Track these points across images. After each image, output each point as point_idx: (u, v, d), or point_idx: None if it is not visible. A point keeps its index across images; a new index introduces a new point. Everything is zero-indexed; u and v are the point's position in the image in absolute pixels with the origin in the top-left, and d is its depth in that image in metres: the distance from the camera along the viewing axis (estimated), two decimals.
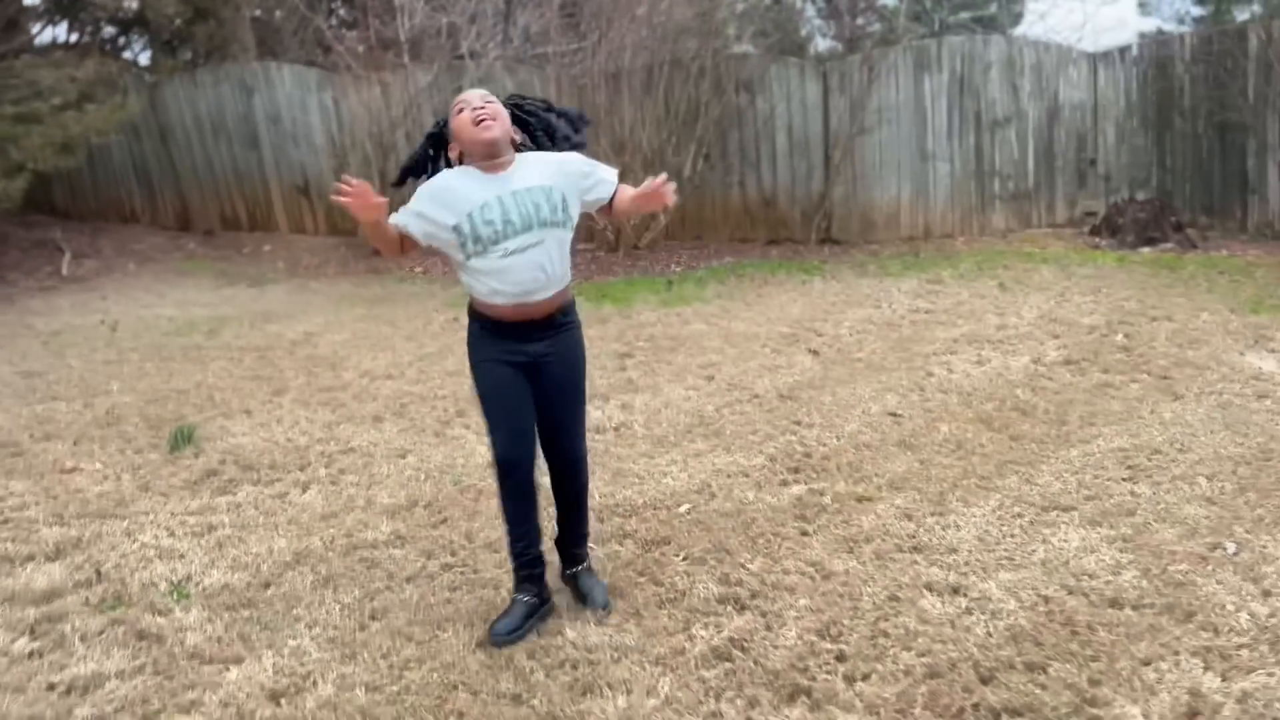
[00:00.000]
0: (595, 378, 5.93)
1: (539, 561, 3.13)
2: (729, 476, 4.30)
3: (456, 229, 2.87)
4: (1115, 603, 2.98)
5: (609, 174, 3.07)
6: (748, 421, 5.06)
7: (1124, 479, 4.02)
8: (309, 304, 8.73)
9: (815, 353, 6.36)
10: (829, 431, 4.87)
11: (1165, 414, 4.89)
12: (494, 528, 3.74)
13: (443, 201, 2.90)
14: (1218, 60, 9.70)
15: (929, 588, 3.16)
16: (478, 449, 4.70)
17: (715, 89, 10.43)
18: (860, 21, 21.16)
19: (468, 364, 3.06)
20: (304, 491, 4.35)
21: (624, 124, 10.06)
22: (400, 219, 2.95)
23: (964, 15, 14.99)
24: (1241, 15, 29.24)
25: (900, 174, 10.45)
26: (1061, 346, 6.29)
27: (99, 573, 3.57)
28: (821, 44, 21.03)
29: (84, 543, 3.86)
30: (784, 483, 4.22)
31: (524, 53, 11.94)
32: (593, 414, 5.26)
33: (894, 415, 5.07)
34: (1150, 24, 30.14)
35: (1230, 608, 2.91)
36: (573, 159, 3.04)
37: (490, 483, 3.80)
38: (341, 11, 15.83)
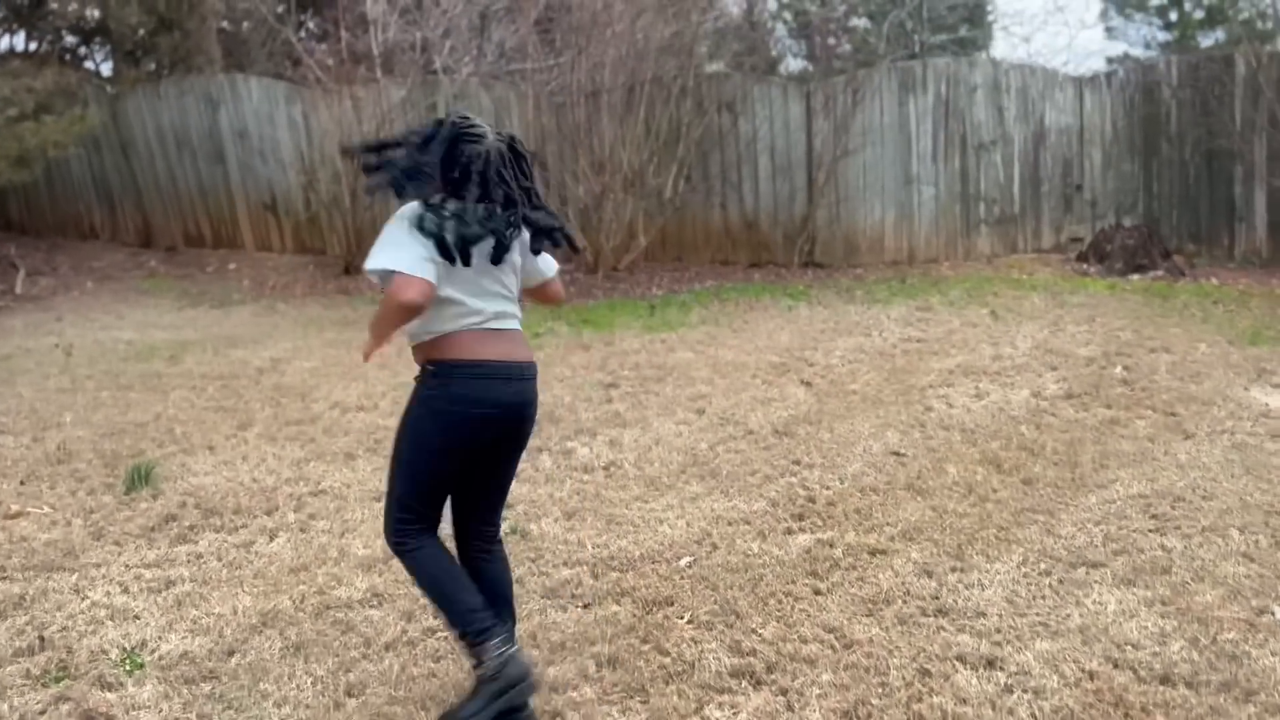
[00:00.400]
0: (580, 410, 5.65)
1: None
2: (730, 524, 4.02)
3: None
4: (1166, 679, 2.73)
5: None
6: (744, 460, 4.79)
7: (1151, 530, 3.79)
8: (276, 327, 8.37)
9: (808, 384, 6.12)
10: (831, 472, 4.61)
11: (1180, 455, 4.69)
12: None
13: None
14: (1205, 86, 9.63)
15: (961, 660, 2.90)
16: None
17: (697, 109, 10.22)
18: (832, 42, 21.13)
19: None
20: (271, 540, 4.02)
21: (604, 143, 9.81)
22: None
23: (942, 37, 14.92)
24: (1206, 41, 29.63)
25: (884, 197, 10.28)
26: (1061, 379, 6.09)
27: (43, 638, 3.22)
28: (793, 64, 20.97)
29: (28, 601, 3.51)
30: (789, 531, 3.95)
31: (499, 69, 11.67)
32: (579, 451, 4.99)
33: (897, 455, 4.83)
34: (1118, 48, 30.49)
35: None
36: None
37: None
38: (311, 24, 15.47)
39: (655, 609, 3.32)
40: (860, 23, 19.70)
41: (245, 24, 14.87)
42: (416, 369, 2.65)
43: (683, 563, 3.68)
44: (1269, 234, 9.51)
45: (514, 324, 2.65)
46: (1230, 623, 3.03)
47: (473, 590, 2.59)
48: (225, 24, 14.92)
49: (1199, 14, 29.51)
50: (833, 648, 3.01)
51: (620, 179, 9.73)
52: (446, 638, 3.12)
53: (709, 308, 8.65)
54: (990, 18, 25.69)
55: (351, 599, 3.46)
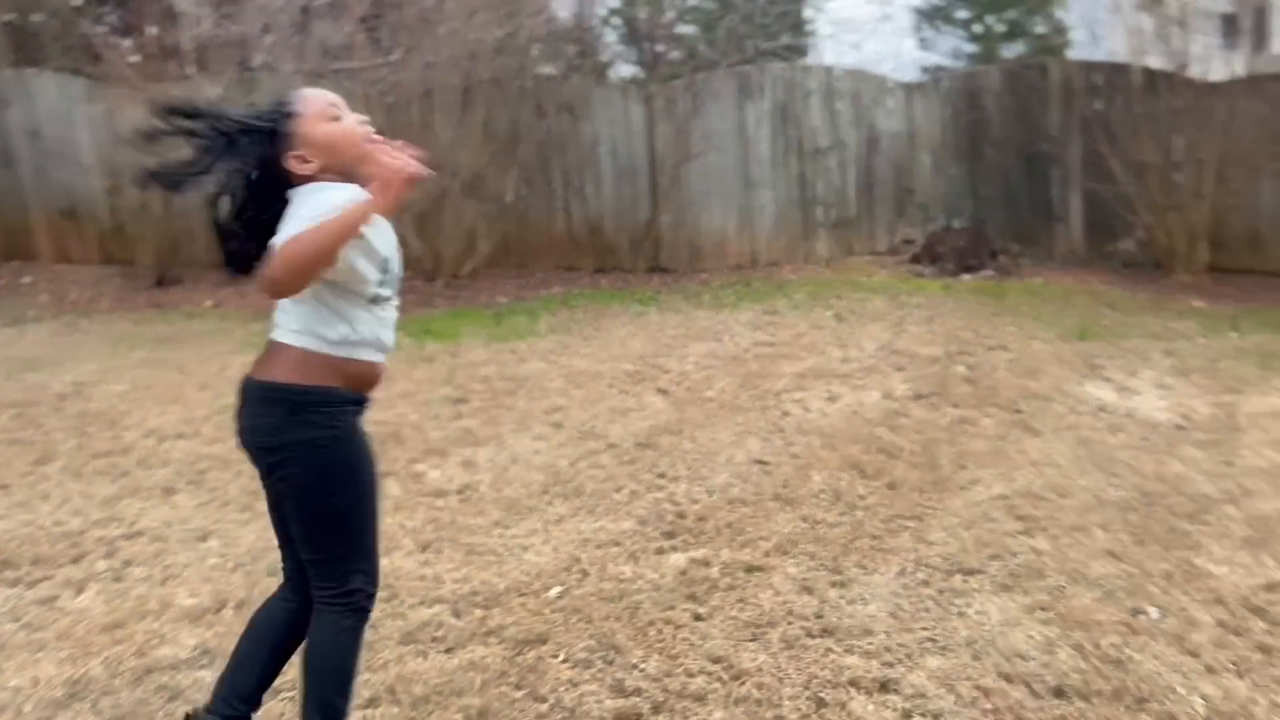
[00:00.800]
0: (427, 429, 5.30)
1: None
2: (599, 547, 3.79)
3: (386, 264, 2.19)
4: (1060, 692, 2.68)
5: None
6: (608, 476, 4.57)
7: (1019, 532, 3.80)
8: (79, 347, 7.57)
9: (665, 392, 5.96)
10: (697, 485, 4.45)
11: (1032, 453, 4.77)
12: None
13: (374, 223, 2.11)
14: (1023, 93, 10.09)
15: (855, 685, 2.76)
16: None
17: (537, 111, 9.96)
18: (661, 49, 21.28)
19: (332, 461, 2.19)
20: (79, 593, 3.51)
21: (440, 144, 9.40)
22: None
23: (775, 44, 15.21)
24: (1008, 53, 31.59)
25: (727, 201, 10.29)
26: (908, 380, 6.16)
27: None
28: (625, 70, 21.00)
29: None
30: (661, 551, 3.75)
31: (324, 67, 11.05)
32: (430, 474, 4.66)
33: (762, 463, 4.72)
34: (931, 59, 32.09)
35: (1181, 690, 2.66)
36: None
37: None
38: (113, 18, 14.29)
39: (527, 649, 3.05)
40: (689, 30, 19.90)
41: (35, 16, 13.59)
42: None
43: (552, 593, 3.42)
44: (1085, 234, 10.05)
45: (275, 333, 2.22)
46: (1109, 626, 3.02)
47: None
48: (12, 17, 13.59)
49: (1001, 28, 31.48)
50: (721, 680, 2.82)
51: (459, 182, 9.35)
52: (292, 697, 2.75)
53: (557, 315, 8.40)
54: (810, 27, 26.54)
55: (178, 659, 3.03)
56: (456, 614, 3.28)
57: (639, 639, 3.07)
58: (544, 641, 3.08)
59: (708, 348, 7.09)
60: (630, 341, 7.32)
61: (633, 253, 10.20)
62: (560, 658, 2.99)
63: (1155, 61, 9.56)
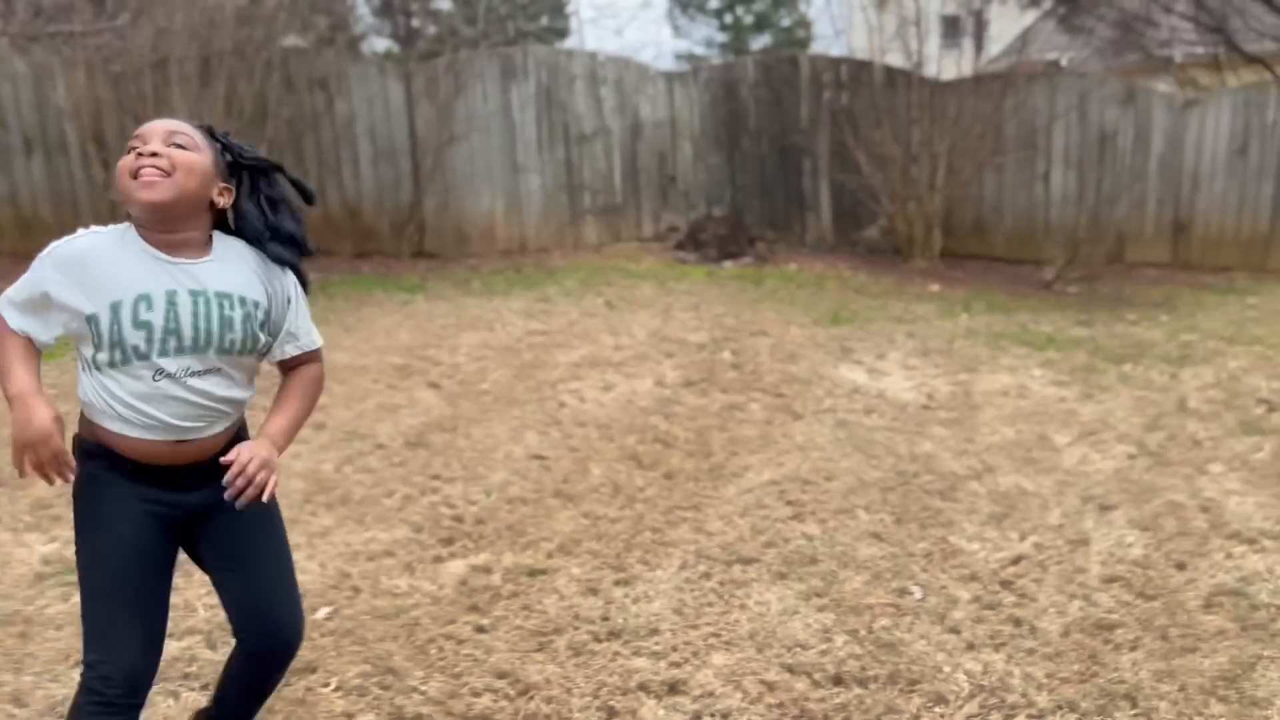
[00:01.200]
0: None
1: None
2: (370, 560, 3.57)
3: (92, 320, 1.85)
4: (839, 679, 2.76)
5: (309, 334, 2.12)
6: (378, 481, 4.33)
7: (790, 518, 3.91)
8: None
9: (437, 386, 5.74)
10: (475, 485, 4.30)
11: (797, 437, 4.95)
12: (56, 678, 2.72)
13: (78, 277, 1.85)
14: (777, 85, 10.50)
15: (645, 689, 2.73)
16: (14, 552, 3.51)
17: (286, 86, 9.33)
18: (417, 23, 20.65)
19: (73, 519, 1.98)
20: None
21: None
22: (10, 316, 1.91)
23: (536, 25, 15.08)
24: (755, 44, 33.02)
25: (494, 185, 10.09)
26: (679, 366, 6.26)
27: None
28: (379, 44, 20.24)
29: None
30: (438, 559, 3.59)
31: (38, 29, 9.87)
32: None
33: (541, 459, 4.63)
34: (685, 46, 33.07)
35: (946, 669, 2.81)
36: (291, 281, 2.06)
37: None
38: None
39: (293, 679, 2.80)
40: (445, 5, 19.39)
41: None
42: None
43: (320, 615, 3.18)
44: (834, 222, 10.62)
45: None
46: (880, 609, 3.16)
47: None
48: None
49: (750, 19, 32.86)
50: (508, 697, 2.71)
51: None
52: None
53: (315, 304, 7.81)
54: (571, 10, 26.64)
55: None
56: (211, 645, 2.99)
57: (418, 659, 2.91)
58: (312, 670, 2.85)
59: (480, 337, 6.91)
60: (397, 332, 7.01)
61: (395, 237, 9.80)
62: (331, 686, 2.78)
63: (894, 59, 10.21)
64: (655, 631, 3.04)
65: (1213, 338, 7.06)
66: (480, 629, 3.08)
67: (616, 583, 3.38)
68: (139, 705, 1.90)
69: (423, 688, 2.76)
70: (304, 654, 2.90)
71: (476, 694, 2.72)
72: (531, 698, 2.70)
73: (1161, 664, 2.83)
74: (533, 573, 3.46)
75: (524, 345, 6.71)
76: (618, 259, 9.94)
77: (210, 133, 2.01)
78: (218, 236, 2.01)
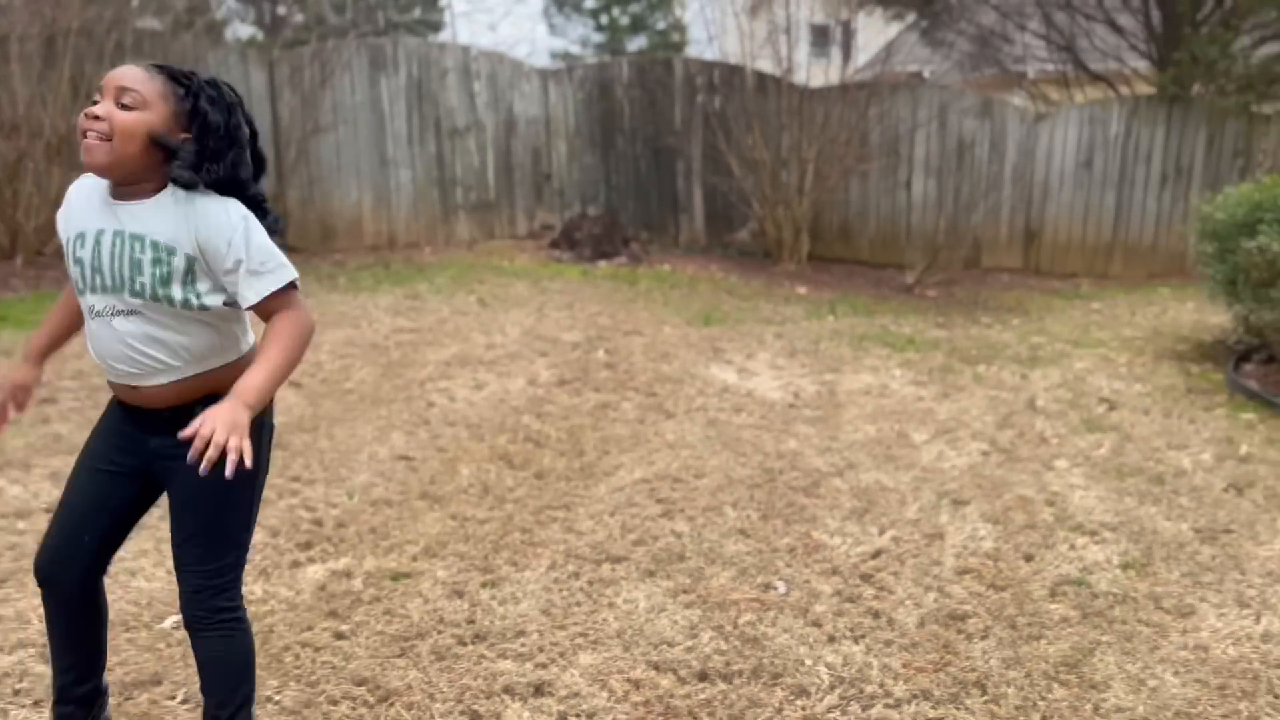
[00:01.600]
0: (6, 439, 4.52)
1: (84, 701, 2.30)
2: None
3: (69, 248, 2.03)
4: (704, 675, 2.77)
5: (272, 276, 1.98)
6: None
7: (660, 515, 3.93)
8: None
9: (298, 385, 5.55)
10: (336, 487, 4.16)
11: (668, 435, 4.98)
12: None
13: (64, 214, 2.08)
14: (651, 87, 10.56)
15: (510, 692, 2.69)
16: None
17: None
18: (282, 10, 19.94)
19: None
20: None
21: (16, 102, 8.10)
22: None
23: (408, 17, 14.76)
24: (631, 46, 33.20)
25: (361, 179, 9.84)
26: (552, 365, 6.23)
27: None
28: (242, 30, 19.47)
29: None
30: (296, 564, 3.45)
31: None
32: (9, 490, 3.98)
33: (407, 459, 4.52)
34: (561, 45, 32.99)
35: (808, 661, 2.85)
36: (229, 226, 1.95)
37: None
38: None
39: (137, 691, 2.66)
40: None
41: None
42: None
43: (167, 624, 3.01)
44: (706, 224, 10.76)
45: None
46: (745, 604, 3.19)
47: None
48: None
49: (626, 20, 33.04)
50: (367, 704, 2.63)
51: (43, 145, 8.11)
52: None
53: None
54: (445, 3, 26.19)
55: None
56: (45, 659, 2.79)
57: (273, 667, 2.78)
58: (158, 682, 2.70)
59: (345, 334, 6.71)
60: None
61: None
62: (178, 698, 2.64)
63: (765, 65, 10.41)
64: (522, 633, 3.00)
65: (1060, 340, 7.45)
66: (339, 635, 2.98)
67: (483, 585, 3.32)
68: (59, 587, 2.19)
69: (277, 697, 2.65)
70: (149, 664, 2.77)
71: (334, 702, 2.63)
72: (392, 704, 2.62)
73: (1009, 651, 2.96)
74: (396, 576, 3.37)
75: (391, 343, 6.55)
76: (491, 256, 9.82)
77: (177, 77, 1.98)
78: (171, 188, 1.98)
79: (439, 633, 2.99)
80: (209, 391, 2.03)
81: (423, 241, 10.10)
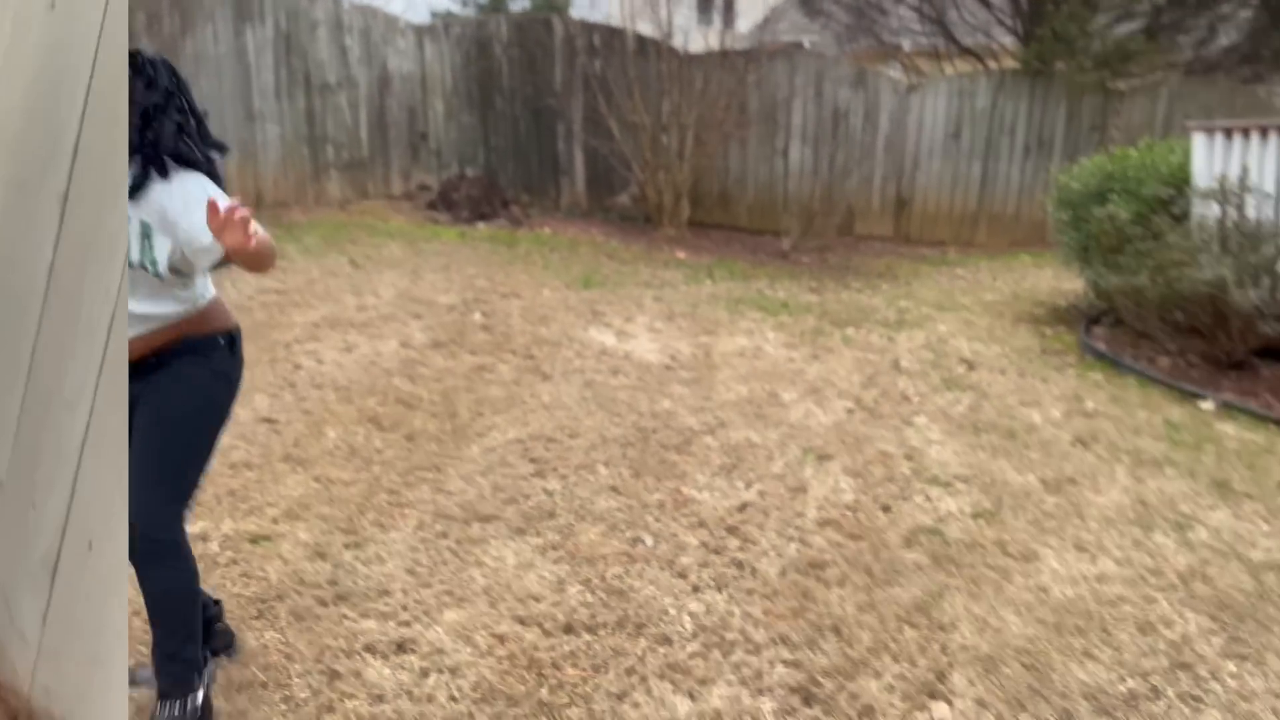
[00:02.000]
0: None
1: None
2: None
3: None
4: (569, 628, 2.79)
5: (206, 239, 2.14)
6: None
7: (532, 475, 3.92)
8: None
9: None
10: None
11: (544, 397, 4.96)
12: None
13: None
14: (531, 47, 10.41)
15: (371, 650, 2.65)
16: None
17: None
18: None
19: None
20: None
21: None
22: None
23: None
24: (515, 5, 32.66)
25: (225, 134, 9.32)
26: (427, 328, 6.12)
27: None
28: None
29: None
30: None
31: None
32: None
33: (270, 421, 4.39)
34: (442, 4, 32.18)
35: (672, 611, 2.90)
36: (182, 194, 2.22)
37: None
38: None
39: None
40: None
41: None
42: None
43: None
44: (587, 187, 10.70)
45: None
46: (613, 558, 3.22)
47: None
48: None
49: None
50: (220, 665, 2.55)
51: None
52: None
53: None
54: None
55: None
56: None
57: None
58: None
59: None
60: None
61: None
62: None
63: (646, 28, 10.37)
64: (385, 593, 2.96)
65: (925, 304, 7.71)
66: None
67: (346, 546, 3.26)
68: None
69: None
70: None
71: None
72: (246, 666, 2.55)
73: (864, 597, 3.07)
74: (255, 539, 3.27)
75: (256, 304, 6.33)
76: (365, 216, 9.56)
77: (135, 63, 2.21)
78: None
79: (298, 594, 2.93)
80: (160, 346, 2.29)
81: (291, 201, 9.75)
